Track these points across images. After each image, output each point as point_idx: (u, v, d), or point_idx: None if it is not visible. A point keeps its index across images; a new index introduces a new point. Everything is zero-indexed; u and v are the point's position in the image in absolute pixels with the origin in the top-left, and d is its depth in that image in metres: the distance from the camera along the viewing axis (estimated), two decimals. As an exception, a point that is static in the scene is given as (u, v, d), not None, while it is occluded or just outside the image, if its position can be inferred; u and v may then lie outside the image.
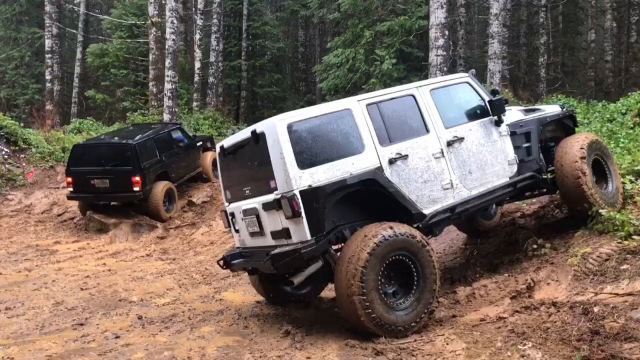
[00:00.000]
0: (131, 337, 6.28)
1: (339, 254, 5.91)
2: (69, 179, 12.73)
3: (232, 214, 6.85)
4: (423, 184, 6.33)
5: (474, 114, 6.98)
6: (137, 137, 13.03)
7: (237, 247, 7.05)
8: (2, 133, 16.62)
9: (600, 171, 7.39)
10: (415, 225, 6.12)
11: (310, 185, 5.71)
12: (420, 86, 6.79)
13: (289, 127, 5.83)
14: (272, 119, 6.02)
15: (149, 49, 22.81)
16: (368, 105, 6.30)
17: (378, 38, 19.75)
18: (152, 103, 22.25)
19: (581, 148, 7.04)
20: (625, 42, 27.62)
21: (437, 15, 16.09)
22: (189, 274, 9.38)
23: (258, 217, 6.26)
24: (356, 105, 6.24)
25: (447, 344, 5.36)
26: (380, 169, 6.07)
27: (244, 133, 6.44)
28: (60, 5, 30.06)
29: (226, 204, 7.03)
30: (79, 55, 30.71)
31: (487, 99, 7.06)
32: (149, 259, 10.66)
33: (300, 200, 5.64)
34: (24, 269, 9.72)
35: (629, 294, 5.28)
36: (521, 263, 7.06)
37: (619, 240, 6.19)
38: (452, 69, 19.41)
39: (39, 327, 6.69)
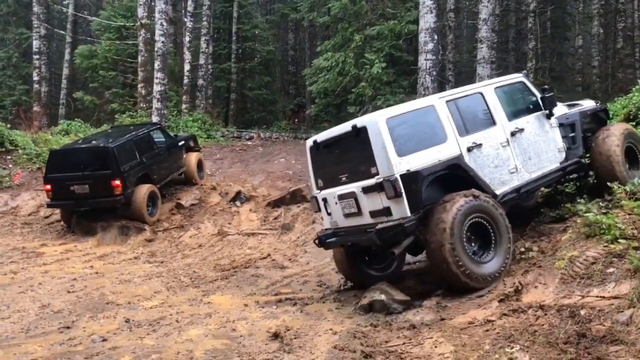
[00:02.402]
0: (118, 340, 6.23)
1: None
2: (48, 187, 12.40)
3: (325, 199, 7.70)
4: (494, 169, 7.33)
5: (529, 109, 7.96)
6: (115, 140, 12.74)
7: (328, 229, 7.84)
8: (-12, 134, 16.45)
9: (634, 158, 8.38)
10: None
11: (408, 170, 6.67)
12: (486, 85, 7.88)
13: (388, 122, 6.79)
14: (372, 114, 7.17)
15: (138, 50, 22.73)
16: (447, 102, 7.28)
17: (368, 42, 19.80)
18: (141, 105, 22.17)
19: (617, 132, 8.15)
20: (612, 48, 27.93)
21: (427, 20, 16.20)
22: (177, 276, 9.33)
23: (356, 199, 7.14)
24: (438, 102, 7.25)
25: (436, 346, 5.37)
26: (461, 156, 7.06)
27: (342, 128, 7.38)
28: (48, 6, 29.90)
29: (317, 191, 7.90)
30: (67, 57, 30.53)
31: (539, 95, 8.02)
32: (136, 262, 10.59)
33: (400, 183, 6.59)
34: (9, 272, 9.60)
35: (615, 297, 5.33)
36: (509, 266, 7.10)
37: (606, 244, 6.23)
38: (440, 74, 19.52)
39: (24, 330, 6.62)
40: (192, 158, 15.17)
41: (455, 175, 6.98)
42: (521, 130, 7.61)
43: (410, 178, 6.63)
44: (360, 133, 6.94)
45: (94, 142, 13.40)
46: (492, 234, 6.82)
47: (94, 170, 12.16)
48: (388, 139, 6.69)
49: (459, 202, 6.60)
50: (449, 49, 23.37)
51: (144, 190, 12.61)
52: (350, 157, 7.29)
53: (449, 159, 6.94)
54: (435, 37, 16.49)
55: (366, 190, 6.95)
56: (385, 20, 19.66)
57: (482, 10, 17.58)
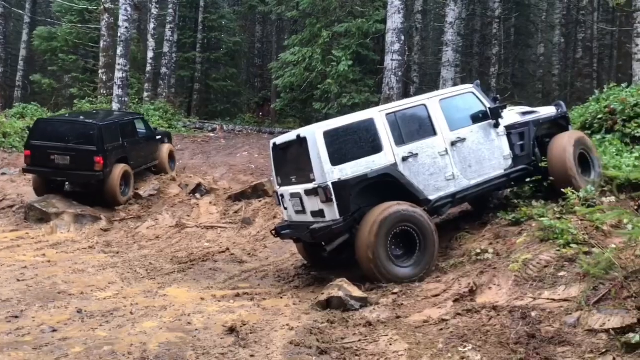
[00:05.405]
0: (69, 330, 6.08)
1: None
2: (28, 152, 12.60)
3: (282, 195, 8.40)
4: (430, 176, 7.84)
5: (476, 118, 8.31)
6: (103, 119, 13.19)
7: (286, 221, 8.64)
8: (-62, 114, 15.86)
9: (586, 164, 8.60)
10: (422, 208, 7.58)
11: (339, 179, 7.34)
12: (431, 97, 8.26)
13: (325, 134, 7.41)
14: (312, 126, 7.80)
15: (100, 35, 22.21)
16: (387, 114, 7.78)
17: (335, 39, 19.84)
18: (101, 91, 21.68)
19: (570, 139, 8.41)
20: (571, 57, 28.72)
21: (394, 20, 16.32)
22: (132, 268, 9.16)
23: (301, 199, 7.87)
24: (378, 115, 7.76)
25: (391, 344, 5.43)
26: (395, 165, 7.62)
27: (291, 135, 8.03)
28: (7, -16, 28.90)
29: (277, 187, 8.59)
30: (25, 38, 29.59)
31: (488, 105, 8.34)
32: (91, 252, 10.34)
33: (332, 190, 7.28)
34: (-44, 258, 9.27)
35: (565, 300, 5.49)
36: (465, 267, 7.24)
37: (558, 248, 6.40)
38: (406, 74, 19.71)
39: (-30, 319, 6.40)
40: (164, 149, 15.49)
41: (392, 182, 7.58)
42: (463, 139, 8.06)
43: (341, 186, 7.32)
44: (302, 142, 7.59)
45: (81, 117, 13.79)
46: (418, 242, 7.40)
47: (78, 144, 12.39)
48: (323, 149, 7.34)
49: (386, 212, 7.22)
50: (415, 51, 23.61)
51: (118, 170, 12.85)
52: (297, 161, 7.97)
53: (381, 168, 7.52)
54: (402, 37, 16.63)
55: (307, 192, 7.68)
56: (353, 18, 19.73)
57: (449, 14, 17.82)
